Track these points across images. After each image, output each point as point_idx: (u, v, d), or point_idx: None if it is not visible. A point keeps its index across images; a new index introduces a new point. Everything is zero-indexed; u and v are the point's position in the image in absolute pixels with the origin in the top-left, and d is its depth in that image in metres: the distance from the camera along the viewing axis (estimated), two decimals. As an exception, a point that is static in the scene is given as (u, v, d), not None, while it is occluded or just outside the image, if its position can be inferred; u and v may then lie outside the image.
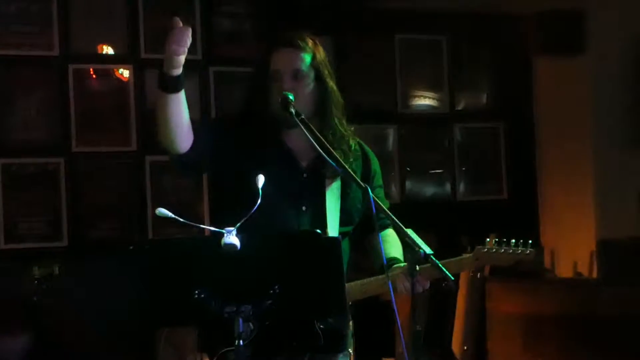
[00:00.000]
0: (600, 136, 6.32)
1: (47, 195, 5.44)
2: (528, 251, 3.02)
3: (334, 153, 2.74)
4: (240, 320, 2.40)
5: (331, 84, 2.91)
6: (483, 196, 6.61)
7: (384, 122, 6.40)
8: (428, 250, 2.63)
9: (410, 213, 2.88)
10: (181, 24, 2.59)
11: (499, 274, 5.00)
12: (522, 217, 6.45)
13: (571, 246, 6.33)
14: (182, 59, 2.62)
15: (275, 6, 5.88)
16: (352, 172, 2.76)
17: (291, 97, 2.77)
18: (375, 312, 3.76)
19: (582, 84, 6.35)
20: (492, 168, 6.67)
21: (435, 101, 6.58)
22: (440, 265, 2.62)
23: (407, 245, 2.68)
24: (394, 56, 6.42)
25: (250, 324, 2.41)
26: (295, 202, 2.86)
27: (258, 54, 3.10)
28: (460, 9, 6.31)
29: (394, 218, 2.69)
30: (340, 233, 2.87)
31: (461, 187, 6.58)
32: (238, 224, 2.34)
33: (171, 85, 2.67)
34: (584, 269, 6.21)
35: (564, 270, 6.32)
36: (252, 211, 2.39)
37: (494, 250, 3.04)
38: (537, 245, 6.05)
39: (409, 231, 2.66)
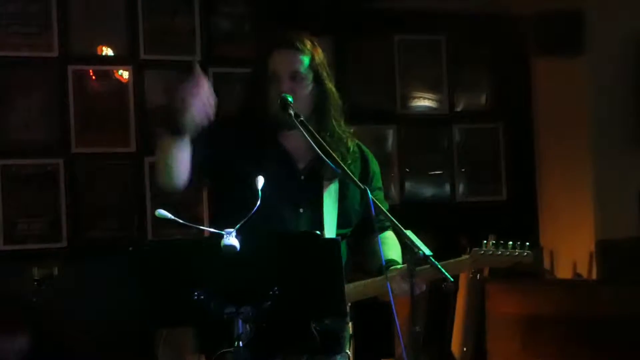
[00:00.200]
0: (600, 136, 6.30)
1: (46, 196, 5.43)
2: (525, 253, 2.98)
3: (333, 154, 2.74)
4: (240, 321, 2.40)
5: (330, 85, 2.90)
6: (482, 197, 6.60)
7: (383, 123, 6.38)
8: (427, 251, 2.62)
9: (409, 214, 2.88)
10: (200, 71, 2.58)
11: (499, 275, 5.00)
12: (521, 218, 6.44)
13: (570, 247, 6.32)
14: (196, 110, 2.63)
15: (275, 7, 5.88)
16: (350, 174, 2.76)
17: (290, 98, 2.77)
18: (374, 313, 3.75)
19: (582, 85, 6.33)
20: (492, 169, 6.66)
21: (434, 102, 6.57)
22: (439, 266, 2.62)
23: (407, 246, 2.68)
24: (393, 57, 6.41)
25: (247, 326, 2.41)
26: (292, 204, 2.85)
27: (256, 54, 3.08)
28: (459, 9, 6.30)
29: (393, 219, 2.69)
30: (337, 235, 2.86)
31: (460, 188, 6.57)
32: (238, 225, 2.34)
33: (182, 129, 2.67)
34: (583, 270, 6.20)
35: (564, 271, 6.31)
36: (252, 212, 2.39)
37: (491, 252, 2.99)
38: (536, 246, 6.08)
39: (409, 232, 2.66)
